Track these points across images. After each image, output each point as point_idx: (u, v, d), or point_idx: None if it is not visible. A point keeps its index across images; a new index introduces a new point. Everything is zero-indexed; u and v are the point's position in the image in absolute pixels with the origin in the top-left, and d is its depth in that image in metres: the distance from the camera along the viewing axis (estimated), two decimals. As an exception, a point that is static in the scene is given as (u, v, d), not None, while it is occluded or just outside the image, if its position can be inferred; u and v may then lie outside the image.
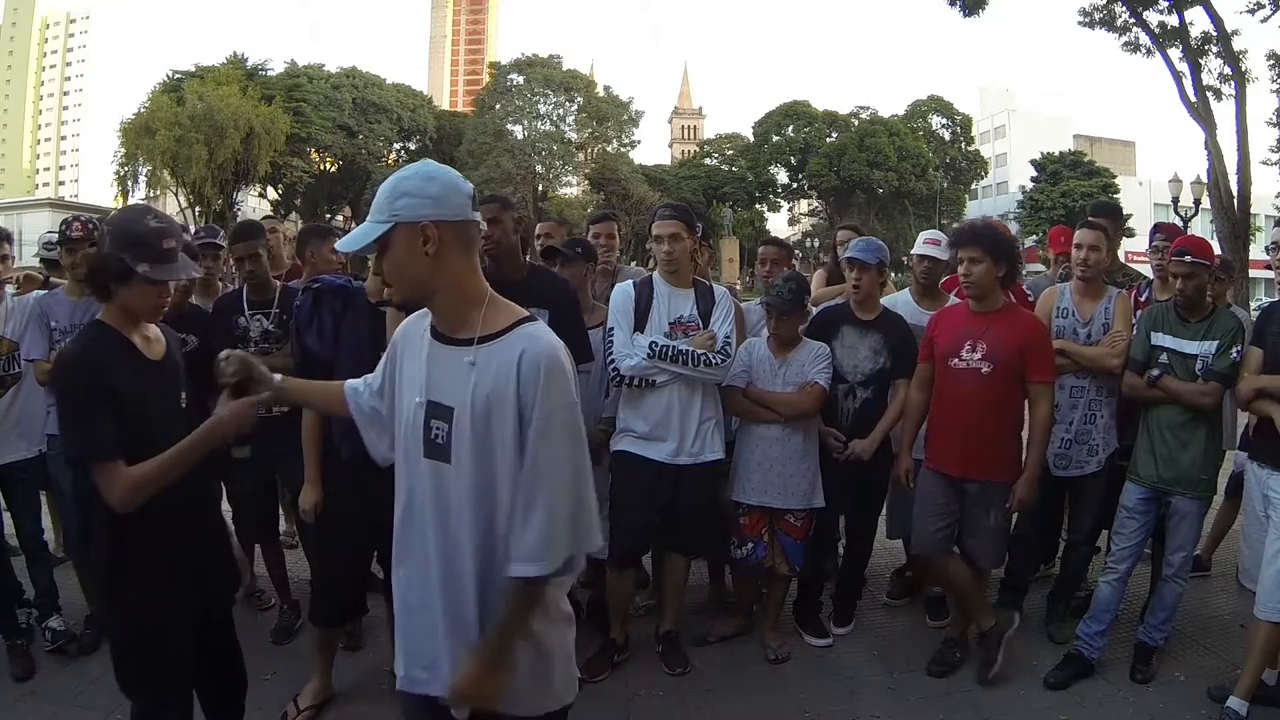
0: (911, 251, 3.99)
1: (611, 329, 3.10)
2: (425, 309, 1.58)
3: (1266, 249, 3.19)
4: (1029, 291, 3.95)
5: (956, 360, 3.06)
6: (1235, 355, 2.97)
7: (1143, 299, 3.71)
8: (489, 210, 3.00)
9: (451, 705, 1.47)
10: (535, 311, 2.89)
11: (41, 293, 3.61)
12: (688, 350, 3.01)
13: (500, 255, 3.02)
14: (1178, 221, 17.02)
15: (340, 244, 1.58)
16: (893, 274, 4.03)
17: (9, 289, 3.49)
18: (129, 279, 1.88)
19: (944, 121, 44.99)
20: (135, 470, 1.79)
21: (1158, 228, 3.97)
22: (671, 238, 3.10)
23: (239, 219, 38.20)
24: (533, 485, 1.43)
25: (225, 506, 3.68)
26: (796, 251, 43.71)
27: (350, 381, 1.78)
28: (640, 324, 3.08)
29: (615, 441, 3.16)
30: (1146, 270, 4.07)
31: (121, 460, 1.79)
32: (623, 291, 3.15)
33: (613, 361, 3.05)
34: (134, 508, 1.78)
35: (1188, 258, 3.00)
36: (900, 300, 3.79)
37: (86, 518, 2.10)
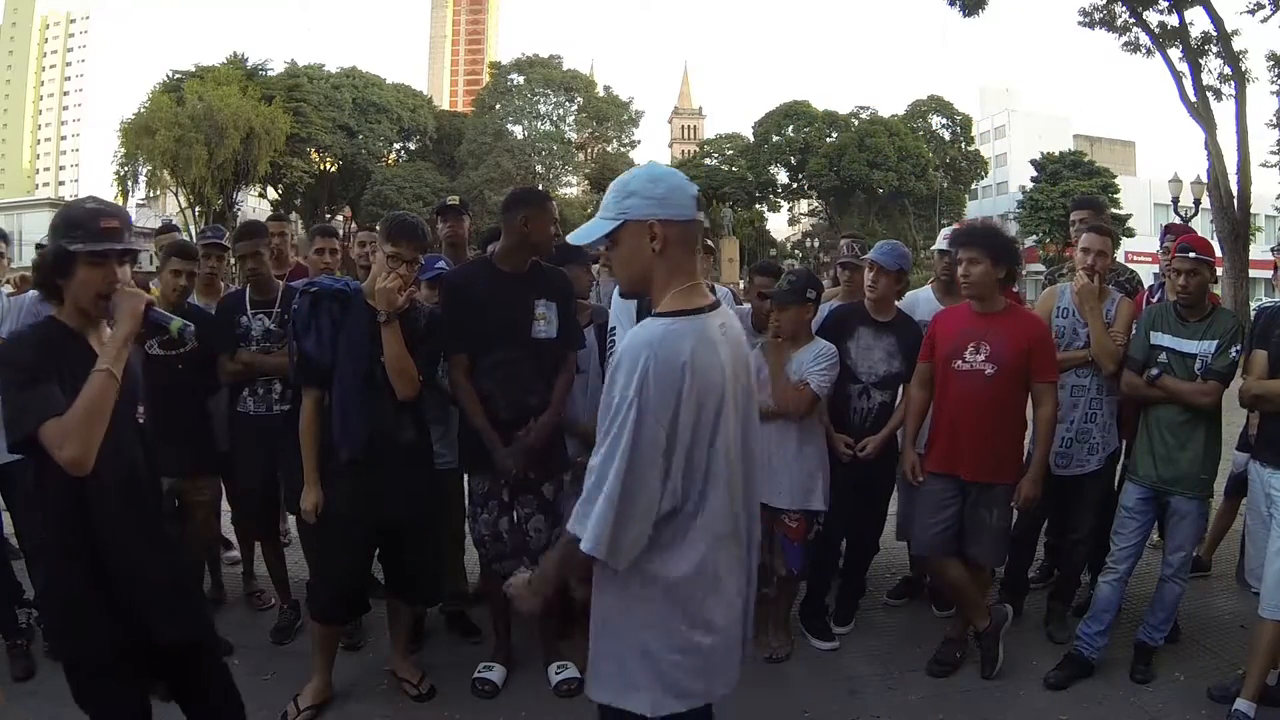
0: (933, 248, 3.99)
1: (613, 329, 3.09)
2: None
3: (1272, 250, 3.19)
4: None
5: (960, 362, 3.05)
6: (1235, 354, 2.97)
7: (1154, 299, 3.70)
8: (535, 201, 3.04)
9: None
10: (545, 304, 2.94)
11: (37, 293, 3.61)
12: None
13: (542, 245, 3.04)
14: (1178, 222, 17.03)
15: (572, 237, 1.70)
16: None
17: (5, 289, 3.49)
18: (70, 266, 1.82)
19: (944, 121, 44.93)
20: (62, 420, 1.70)
21: (1169, 229, 3.96)
22: None
23: (239, 219, 38.23)
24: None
25: (225, 506, 3.72)
26: (796, 251, 43.84)
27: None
28: None
29: None
30: (1143, 270, 4.07)
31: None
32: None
33: None
34: (87, 465, 1.71)
35: (1192, 254, 3.01)
36: (922, 297, 3.81)
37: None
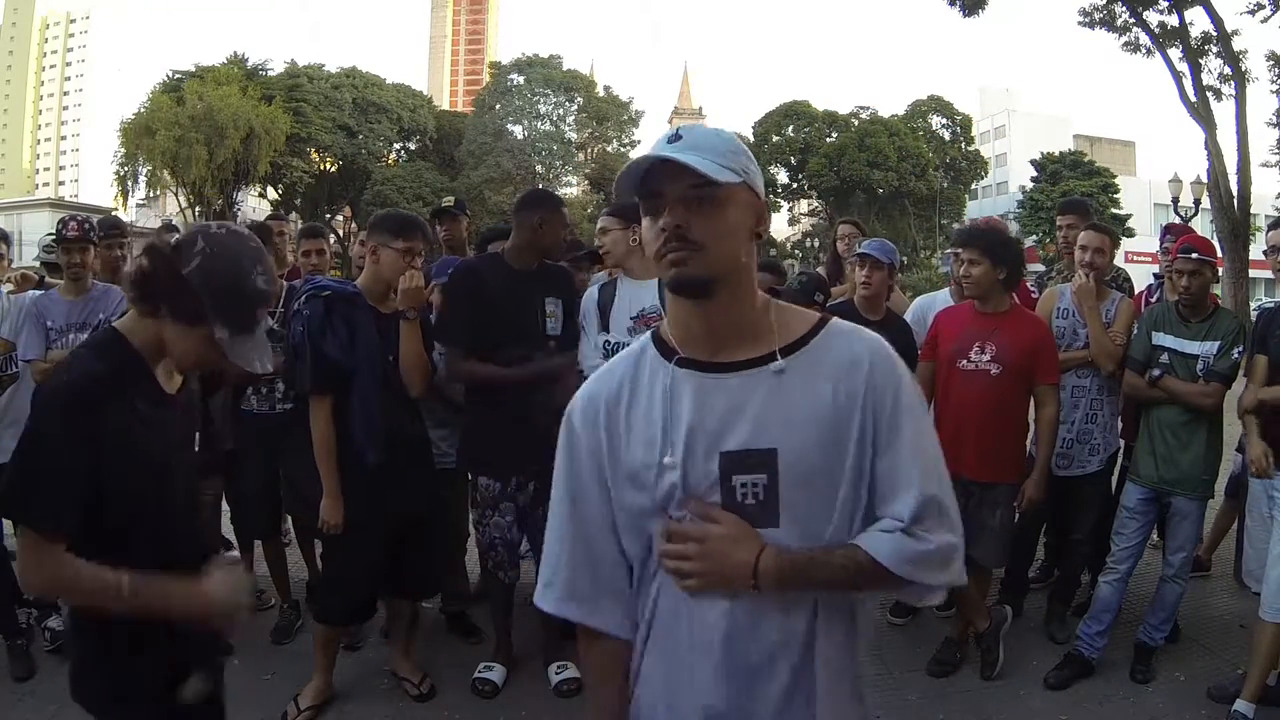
0: (946, 250, 4.02)
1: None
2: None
3: (1265, 252, 3.19)
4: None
5: (965, 362, 3.05)
6: (1237, 355, 2.97)
7: (1153, 299, 3.70)
8: (552, 204, 3.11)
9: None
10: (553, 301, 2.95)
11: (37, 293, 3.61)
12: None
13: (553, 248, 3.08)
14: (1178, 222, 17.03)
15: (695, 160, 1.04)
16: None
17: (4, 289, 3.49)
18: (193, 326, 1.46)
19: (944, 121, 44.86)
20: (73, 568, 1.37)
21: (1168, 229, 3.95)
22: (600, 233, 3.21)
23: (239, 219, 38.09)
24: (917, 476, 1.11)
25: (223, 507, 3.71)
26: (796, 251, 43.78)
27: (601, 626, 1.19)
28: (605, 322, 3.11)
29: None
30: (1144, 270, 4.07)
31: (63, 542, 1.37)
32: (589, 295, 3.20)
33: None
34: (36, 594, 1.48)
35: (1194, 255, 3.01)
36: (939, 299, 3.81)
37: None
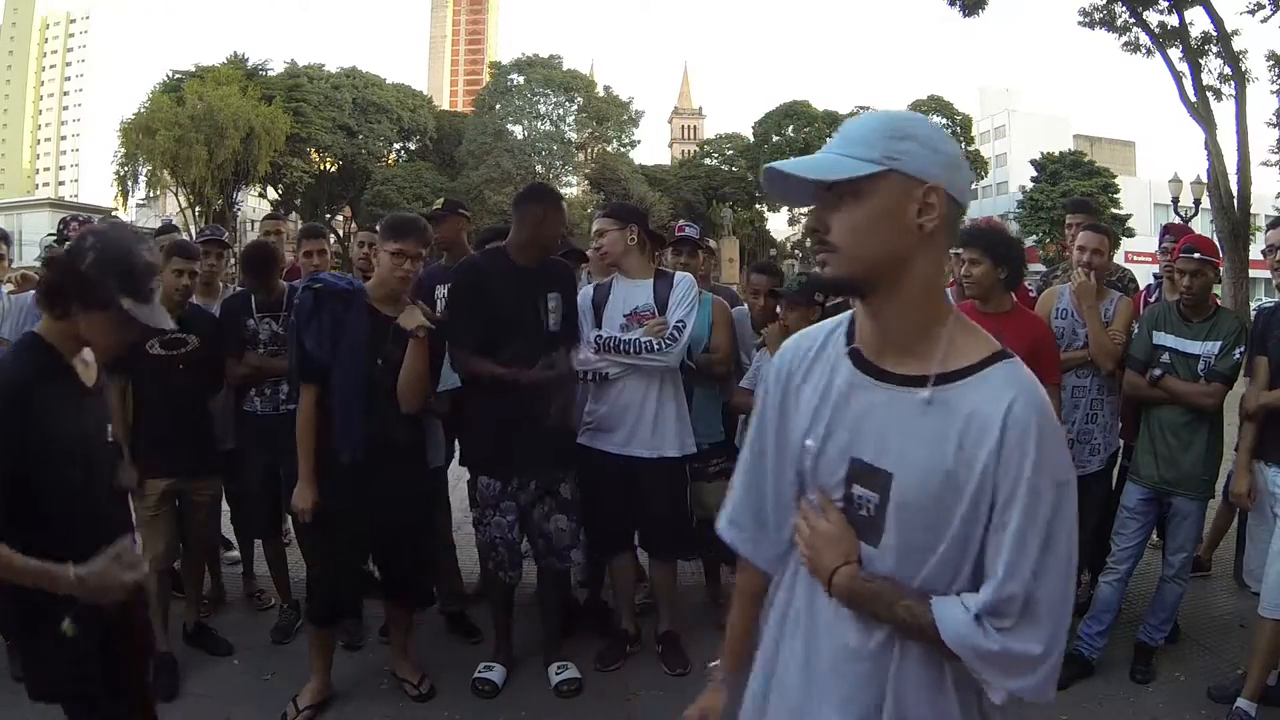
0: (948, 250, 4.01)
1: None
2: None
3: (1263, 252, 3.20)
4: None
5: None
6: (1238, 356, 2.97)
7: (1152, 299, 3.70)
8: (554, 199, 3.11)
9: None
10: (554, 296, 2.95)
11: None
12: (630, 340, 3.02)
13: (552, 243, 3.10)
14: (1177, 222, 17.03)
15: (791, 165, 1.03)
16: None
17: (5, 289, 3.49)
18: (105, 309, 1.67)
19: (944, 121, 44.62)
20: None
21: (1167, 229, 3.95)
22: (597, 234, 3.22)
23: (239, 219, 38.10)
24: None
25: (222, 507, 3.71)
26: (796, 251, 43.73)
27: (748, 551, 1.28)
28: (599, 319, 3.12)
29: (579, 435, 3.17)
30: (1143, 270, 4.08)
31: None
32: (583, 293, 3.22)
33: None
34: None
35: (1196, 255, 3.01)
36: None
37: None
